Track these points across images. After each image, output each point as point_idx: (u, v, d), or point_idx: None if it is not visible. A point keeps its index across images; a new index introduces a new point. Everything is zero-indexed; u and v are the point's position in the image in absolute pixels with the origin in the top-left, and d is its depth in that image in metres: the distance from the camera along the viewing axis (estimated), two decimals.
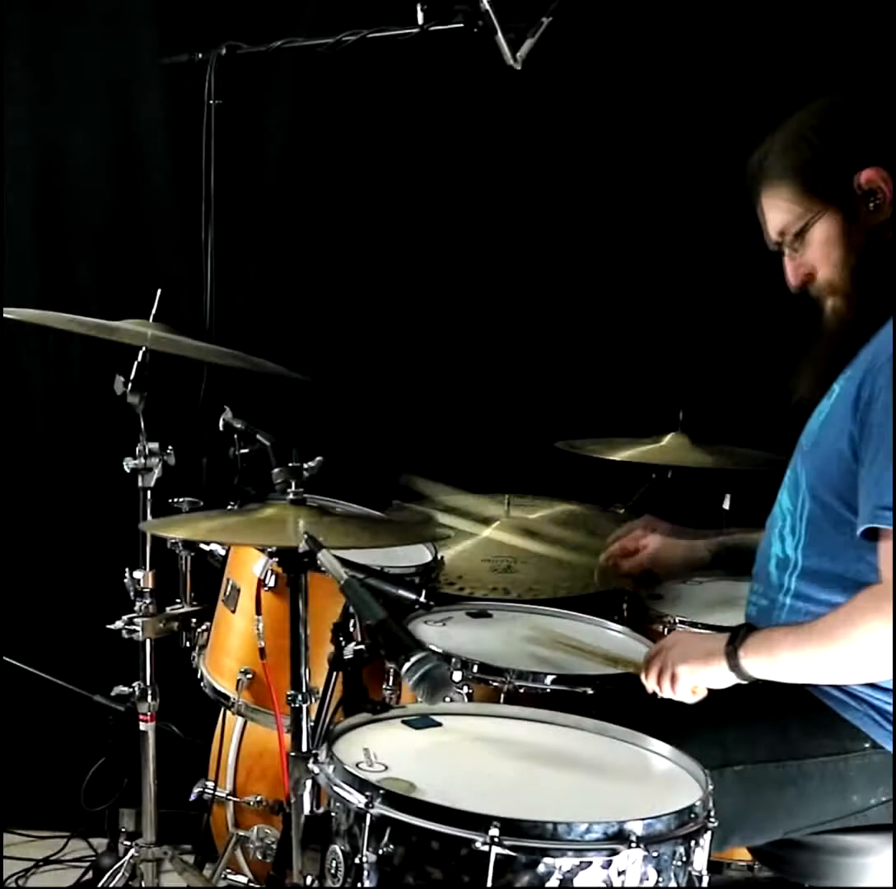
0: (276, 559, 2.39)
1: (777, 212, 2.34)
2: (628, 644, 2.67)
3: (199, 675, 2.92)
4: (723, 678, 2.21)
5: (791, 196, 2.31)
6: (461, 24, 2.94)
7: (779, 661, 2.18)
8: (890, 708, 2.25)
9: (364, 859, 1.88)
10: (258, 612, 2.68)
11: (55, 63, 3.62)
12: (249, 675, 2.76)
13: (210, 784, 2.95)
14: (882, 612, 2.06)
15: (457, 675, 2.44)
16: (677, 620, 2.82)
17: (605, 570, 2.75)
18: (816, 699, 2.29)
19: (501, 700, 2.43)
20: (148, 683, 2.87)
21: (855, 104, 2.31)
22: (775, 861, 2.40)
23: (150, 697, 2.87)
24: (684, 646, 2.27)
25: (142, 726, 2.89)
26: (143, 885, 2.92)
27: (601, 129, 3.64)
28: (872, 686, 2.25)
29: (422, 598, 2.32)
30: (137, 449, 2.82)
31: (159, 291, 2.88)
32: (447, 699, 2.26)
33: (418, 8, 2.98)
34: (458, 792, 1.92)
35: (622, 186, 3.67)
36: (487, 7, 2.86)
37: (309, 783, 2.18)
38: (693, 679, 2.23)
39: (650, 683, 2.28)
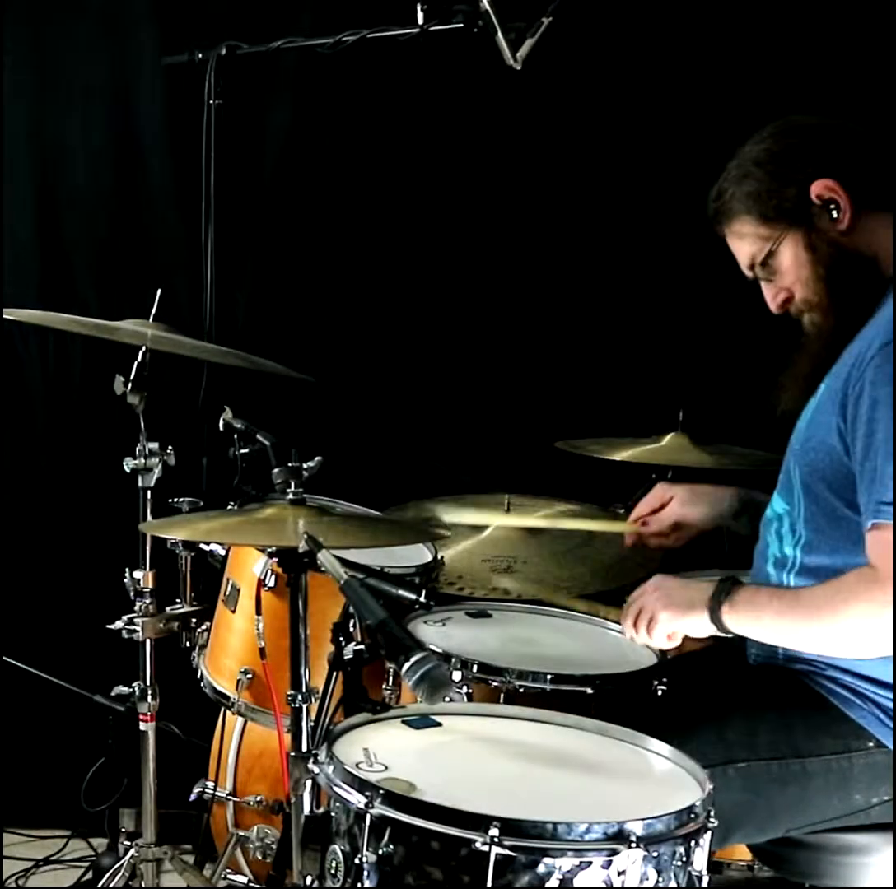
0: (276, 559, 2.39)
1: (743, 244, 2.38)
2: (627, 645, 2.67)
3: (199, 675, 2.92)
4: (702, 628, 2.22)
5: (752, 226, 2.35)
6: (461, 24, 2.94)
7: (760, 623, 2.19)
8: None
9: (364, 859, 1.88)
10: (258, 612, 2.68)
11: (55, 63, 3.61)
12: (249, 675, 2.76)
13: (210, 784, 2.95)
14: (869, 595, 2.07)
15: (457, 675, 2.44)
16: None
17: (635, 533, 2.73)
18: (821, 696, 2.29)
19: (501, 700, 2.42)
20: (148, 683, 2.87)
21: (798, 124, 2.34)
22: (776, 860, 2.40)
23: (150, 697, 2.87)
24: (667, 591, 2.27)
25: (142, 726, 2.89)
26: (143, 885, 2.92)
27: (601, 130, 3.64)
28: (877, 683, 2.26)
29: (422, 598, 2.32)
30: (137, 449, 2.82)
31: (159, 291, 2.88)
32: (447, 699, 2.26)
33: (418, 8, 2.98)
34: (457, 792, 1.92)
35: (622, 187, 3.67)
36: (487, 7, 2.86)
37: (309, 783, 2.18)
38: (671, 626, 2.24)
39: (627, 625, 2.28)
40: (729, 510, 2.67)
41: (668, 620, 2.25)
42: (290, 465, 2.39)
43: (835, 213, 2.27)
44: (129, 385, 2.81)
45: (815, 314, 2.34)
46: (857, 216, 2.27)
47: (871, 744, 2.27)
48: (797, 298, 2.36)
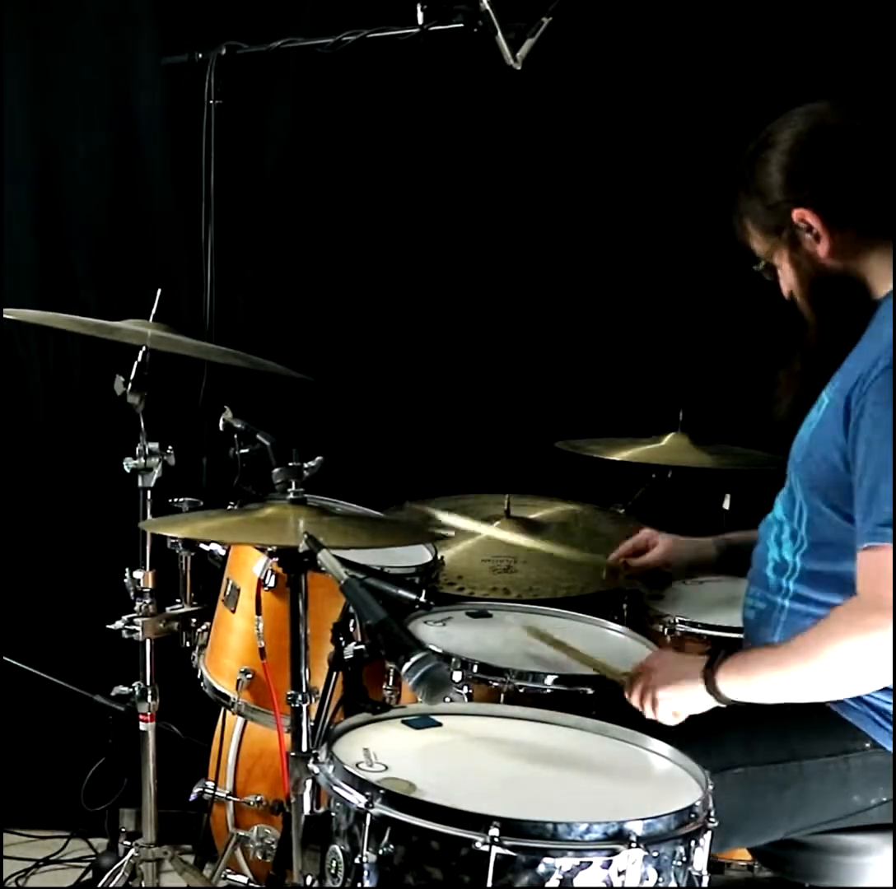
0: (276, 559, 2.39)
1: (752, 241, 2.40)
2: (627, 645, 2.67)
3: (199, 675, 2.92)
4: (702, 702, 2.21)
5: (754, 232, 2.38)
6: (461, 24, 2.94)
7: (754, 682, 2.18)
8: (890, 708, 2.25)
9: (364, 859, 1.88)
10: (258, 612, 2.68)
11: (55, 63, 3.61)
12: (249, 675, 2.76)
13: (210, 784, 2.95)
14: (858, 627, 2.07)
15: (457, 675, 2.44)
16: (677, 620, 2.82)
17: (613, 569, 2.76)
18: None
19: (501, 700, 2.42)
20: (148, 683, 2.86)
21: (795, 141, 2.32)
22: (775, 861, 2.40)
23: (150, 697, 2.87)
24: (665, 669, 2.28)
25: (142, 726, 2.89)
26: (143, 885, 2.92)
27: (601, 130, 3.64)
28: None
29: (422, 598, 2.32)
30: (137, 449, 2.82)
31: (159, 291, 2.88)
32: (447, 699, 2.26)
33: (418, 8, 2.98)
34: (458, 792, 1.92)
35: (622, 187, 3.67)
36: (487, 7, 2.86)
37: (309, 783, 2.19)
38: (672, 704, 2.23)
39: (633, 702, 2.28)
40: (708, 561, 2.72)
41: (667, 699, 2.23)
42: (290, 464, 2.40)
43: (813, 236, 2.30)
44: (129, 385, 2.81)
45: (808, 321, 2.37)
46: (842, 239, 2.29)
47: (867, 745, 2.27)
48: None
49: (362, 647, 2.16)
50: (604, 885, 1.84)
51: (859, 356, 2.26)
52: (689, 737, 2.19)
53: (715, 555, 2.71)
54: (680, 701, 2.23)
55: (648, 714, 2.25)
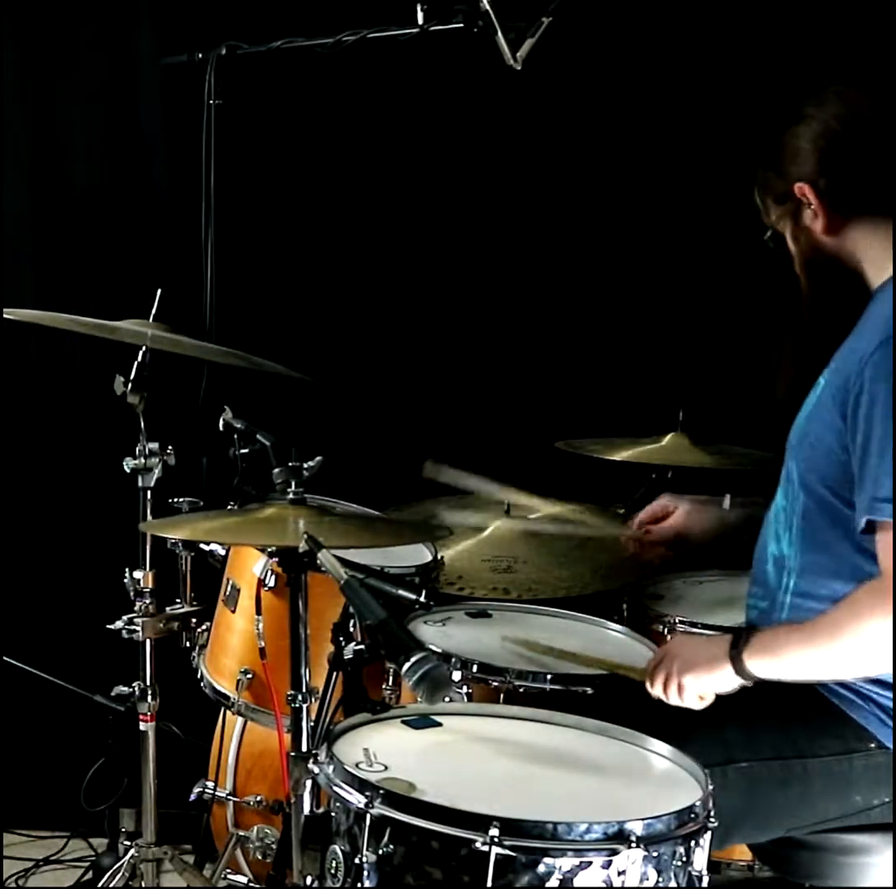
0: (276, 559, 2.39)
1: (765, 209, 2.44)
2: (627, 645, 2.67)
3: (199, 675, 2.92)
4: (729, 682, 2.21)
5: (767, 197, 2.42)
6: (461, 24, 2.94)
7: (784, 661, 2.18)
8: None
9: (364, 859, 1.88)
10: (258, 612, 2.68)
11: (55, 63, 3.61)
12: (249, 675, 2.76)
13: (210, 784, 2.95)
14: (883, 606, 2.07)
15: (457, 675, 2.44)
16: (677, 620, 2.82)
17: (636, 540, 2.74)
18: (822, 697, 2.29)
19: (501, 700, 2.42)
20: (148, 683, 2.86)
21: (805, 118, 2.36)
22: (776, 860, 2.40)
23: (150, 697, 2.87)
24: (688, 653, 2.27)
25: (142, 726, 2.89)
26: (143, 885, 2.92)
27: (601, 130, 3.64)
28: (879, 683, 2.25)
29: (422, 598, 2.32)
30: (137, 449, 2.82)
31: (159, 291, 2.88)
32: (447, 699, 2.26)
33: (418, 8, 2.98)
34: (457, 792, 1.92)
35: (622, 187, 3.67)
36: (487, 7, 2.86)
37: (309, 783, 2.19)
38: (699, 687, 2.23)
39: (656, 692, 2.27)
40: (735, 522, 2.70)
41: (694, 683, 2.23)
42: (290, 464, 2.40)
43: (811, 211, 2.33)
44: (129, 385, 2.81)
45: (802, 300, 2.41)
46: (842, 222, 2.32)
47: (872, 745, 2.27)
48: None
49: (362, 647, 2.16)
50: (604, 885, 1.84)
51: (856, 339, 2.28)
52: (691, 732, 2.20)
53: (740, 515, 2.69)
54: (706, 683, 2.22)
55: (674, 701, 2.25)
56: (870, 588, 2.12)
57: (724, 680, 2.21)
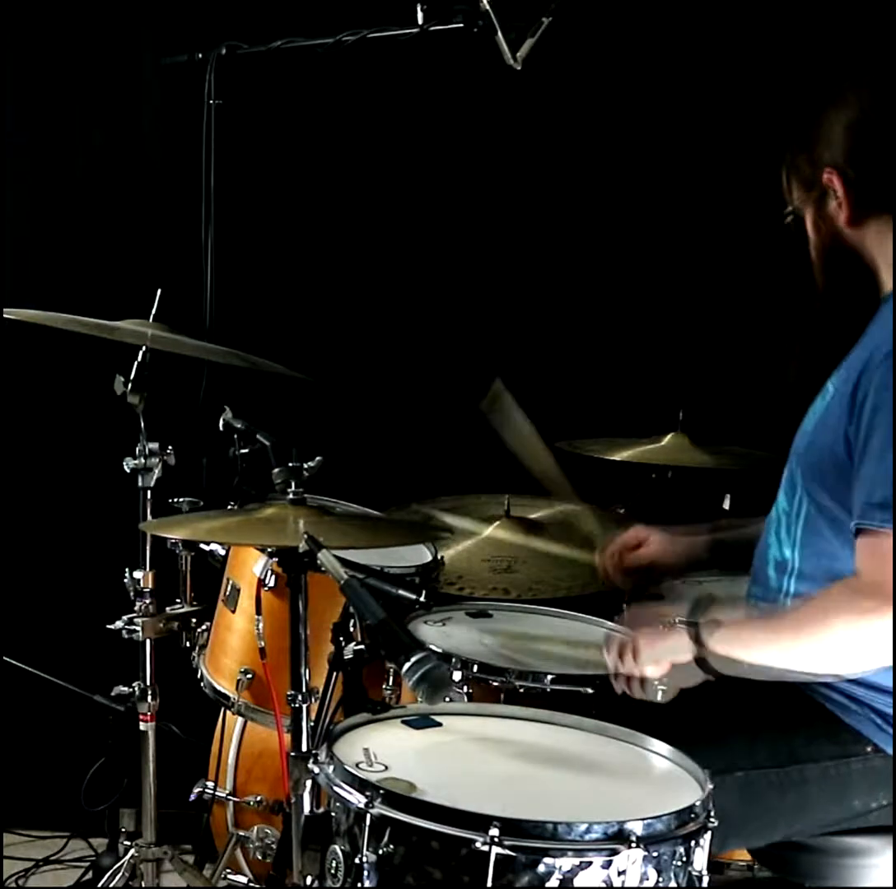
0: (276, 559, 2.39)
1: (790, 189, 2.40)
2: None
3: (199, 675, 2.92)
4: (684, 649, 2.17)
5: (794, 178, 2.37)
6: (461, 24, 2.94)
7: (743, 643, 2.15)
8: (891, 711, 2.24)
9: (364, 859, 1.88)
10: (258, 612, 2.68)
11: (55, 63, 3.61)
12: (249, 675, 2.76)
13: (210, 784, 2.95)
14: (852, 606, 2.06)
15: (457, 675, 2.44)
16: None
17: (609, 567, 2.74)
18: (818, 703, 2.28)
19: (501, 700, 2.42)
20: (148, 683, 2.86)
21: (844, 105, 2.31)
22: (776, 862, 2.40)
23: (150, 697, 2.87)
24: (647, 626, 2.25)
25: (142, 726, 2.89)
26: (143, 885, 2.92)
27: (601, 129, 3.64)
28: (875, 688, 2.25)
29: (422, 598, 2.32)
30: (137, 449, 2.82)
31: (159, 291, 2.88)
32: (447, 699, 2.26)
33: (418, 8, 2.98)
34: (458, 792, 1.92)
35: (622, 187, 3.67)
36: (487, 7, 2.86)
37: (309, 783, 2.19)
38: (654, 651, 2.20)
39: (611, 659, 2.23)
40: (701, 556, 2.68)
41: (649, 647, 2.21)
42: (290, 465, 2.40)
43: (836, 202, 2.29)
44: (129, 385, 2.81)
45: (816, 293, 2.39)
46: (865, 215, 2.28)
47: (868, 749, 2.26)
48: None
49: (362, 647, 2.16)
50: (604, 885, 1.84)
51: (866, 345, 2.25)
52: (692, 739, 2.19)
53: (705, 555, 2.67)
54: (662, 647, 2.20)
55: (630, 668, 2.21)
56: (842, 587, 2.11)
57: (679, 646, 2.18)
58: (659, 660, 2.21)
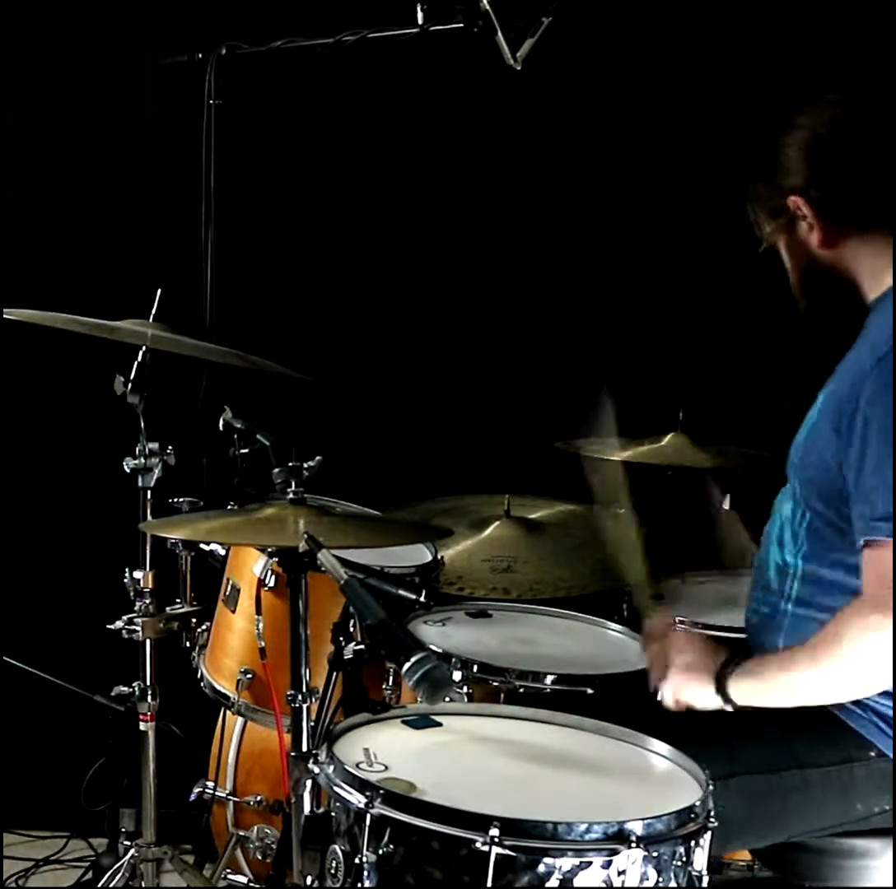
0: (276, 559, 2.39)
1: (758, 221, 2.40)
2: (627, 645, 2.67)
3: (199, 675, 2.92)
4: (709, 701, 2.22)
5: (760, 209, 2.38)
6: (461, 25, 2.94)
7: (765, 685, 2.19)
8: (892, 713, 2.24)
9: (364, 859, 1.88)
10: (258, 612, 2.68)
11: (55, 63, 3.61)
12: (249, 675, 2.76)
13: (210, 784, 2.95)
14: (867, 626, 2.07)
15: (457, 675, 2.44)
16: (677, 620, 2.82)
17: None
18: (821, 707, 2.28)
19: (501, 700, 2.42)
20: (148, 683, 2.86)
21: (800, 129, 2.32)
22: (776, 863, 2.40)
23: (150, 697, 2.87)
24: (689, 656, 2.28)
25: (142, 726, 2.89)
26: (143, 885, 2.92)
27: (601, 130, 3.64)
28: (879, 693, 2.25)
29: (422, 598, 2.32)
30: (137, 449, 2.82)
31: (159, 291, 2.88)
32: (447, 699, 2.26)
33: (418, 8, 2.98)
34: (458, 792, 1.92)
35: (622, 187, 3.67)
36: (487, 7, 2.86)
37: (309, 783, 2.18)
38: (680, 692, 2.25)
39: (652, 678, 2.28)
40: None
41: (677, 686, 2.25)
42: (290, 464, 2.40)
43: (806, 224, 2.30)
44: (129, 385, 2.81)
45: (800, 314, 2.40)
46: (839, 233, 2.29)
47: (872, 753, 2.26)
48: None
49: (362, 647, 2.16)
50: (604, 885, 1.84)
51: (852, 357, 2.27)
52: (694, 742, 2.19)
53: None
54: (688, 693, 2.24)
55: (655, 682, 2.27)
56: (852, 610, 2.12)
57: (704, 698, 2.22)
58: (680, 702, 2.25)
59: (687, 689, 2.24)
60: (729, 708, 2.21)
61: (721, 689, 2.20)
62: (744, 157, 2.41)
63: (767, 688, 2.19)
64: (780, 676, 2.18)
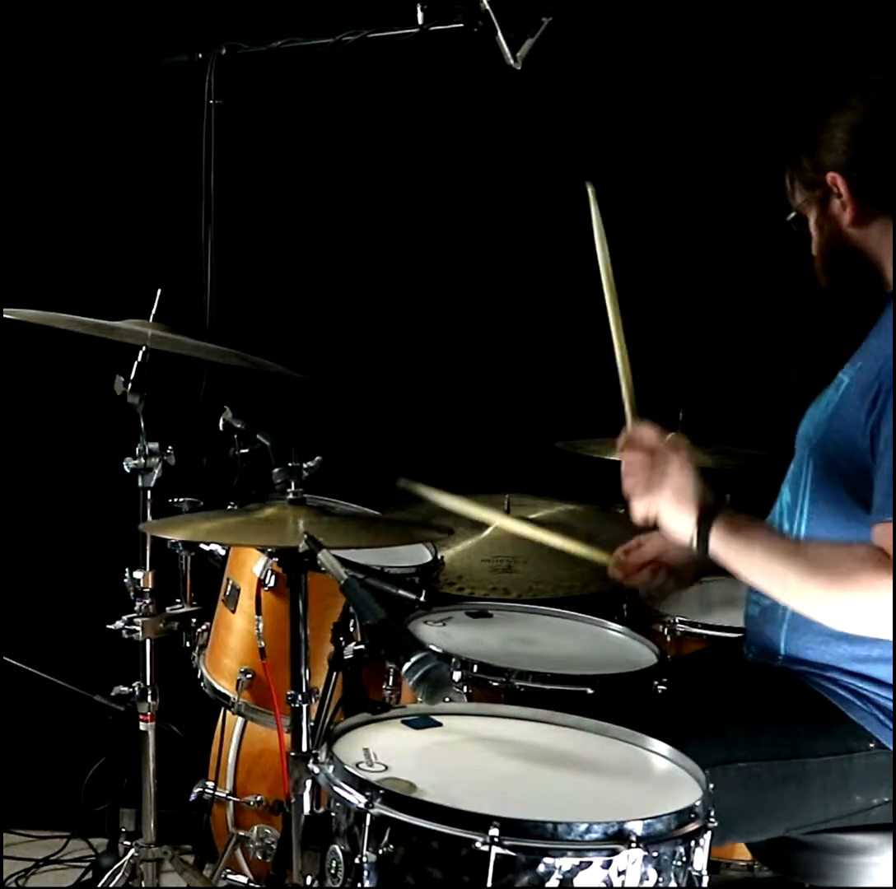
0: (276, 559, 2.39)
1: (793, 192, 2.40)
2: (627, 645, 2.67)
3: (199, 675, 2.92)
4: (684, 530, 2.16)
5: (797, 179, 2.38)
6: (461, 25, 2.94)
7: (751, 553, 2.13)
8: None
9: (364, 859, 1.88)
10: (258, 612, 2.68)
11: (55, 63, 3.62)
12: (249, 675, 2.76)
13: (210, 784, 2.95)
14: (876, 577, 2.01)
15: (457, 675, 2.44)
16: (677, 620, 2.82)
17: (619, 566, 2.68)
18: (821, 697, 2.28)
19: (501, 700, 2.42)
20: (148, 683, 2.86)
21: (847, 108, 2.31)
22: (776, 860, 2.40)
23: (150, 697, 2.87)
24: (679, 480, 2.20)
25: (142, 726, 2.89)
26: (143, 885, 2.92)
27: (601, 130, 3.64)
28: (878, 683, 2.25)
29: (422, 598, 2.32)
30: (137, 449, 2.82)
31: (159, 291, 2.88)
32: (447, 699, 2.26)
33: (418, 8, 2.99)
34: (458, 792, 1.92)
35: (622, 187, 3.66)
36: (487, 7, 2.86)
37: (309, 783, 2.18)
38: (656, 511, 2.18)
39: (628, 484, 2.23)
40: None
41: (663, 505, 2.18)
42: (290, 464, 2.40)
43: (840, 202, 2.30)
44: (129, 385, 2.81)
45: (820, 293, 2.39)
46: (871, 216, 2.29)
47: (871, 745, 2.26)
48: None
49: (362, 647, 2.16)
50: (604, 885, 1.84)
51: (881, 337, 2.24)
52: (691, 731, 2.19)
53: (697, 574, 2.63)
54: (667, 517, 2.18)
55: (628, 488, 2.22)
56: (868, 553, 2.05)
57: (681, 526, 2.16)
58: (649, 519, 2.19)
59: (668, 513, 2.17)
60: (695, 551, 2.14)
61: (703, 531, 2.14)
62: (752, 149, 2.40)
63: (751, 560, 2.13)
64: (768, 561, 2.12)
